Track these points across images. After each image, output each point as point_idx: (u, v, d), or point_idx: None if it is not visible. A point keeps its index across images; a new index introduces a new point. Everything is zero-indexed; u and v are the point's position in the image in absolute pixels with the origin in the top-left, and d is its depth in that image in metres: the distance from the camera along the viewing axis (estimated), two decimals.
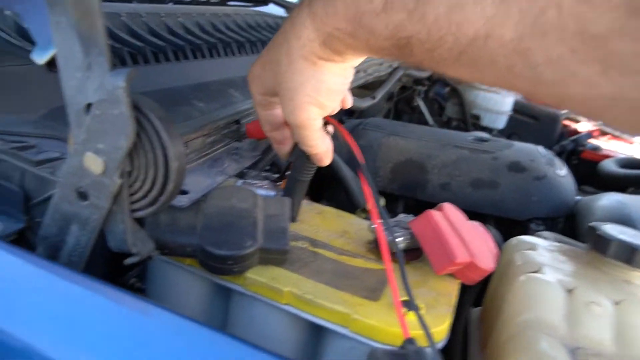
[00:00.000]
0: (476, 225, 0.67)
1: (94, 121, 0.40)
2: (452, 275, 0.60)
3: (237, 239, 0.50)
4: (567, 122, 1.99)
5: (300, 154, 0.60)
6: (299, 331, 0.54)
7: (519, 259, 0.67)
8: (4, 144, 0.50)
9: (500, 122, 1.95)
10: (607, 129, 1.97)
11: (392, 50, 0.41)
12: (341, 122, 1.41)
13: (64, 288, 0.39)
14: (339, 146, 1.26)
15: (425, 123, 1.89)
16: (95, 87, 0.39)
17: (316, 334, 0.55)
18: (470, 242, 0.59)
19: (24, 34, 0.61)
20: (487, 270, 0.59)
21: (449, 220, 0.60)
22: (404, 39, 0.38)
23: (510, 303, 0.60)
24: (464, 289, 0.65)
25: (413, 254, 0.62)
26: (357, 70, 1.23)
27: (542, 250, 0.68)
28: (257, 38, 1.02)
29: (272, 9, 1.37)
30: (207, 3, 1.09)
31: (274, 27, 1.21)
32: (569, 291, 0.59)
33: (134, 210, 0.44)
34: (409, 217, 0.65)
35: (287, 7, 1.34)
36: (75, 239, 0.45)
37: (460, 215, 0.64)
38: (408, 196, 1.25)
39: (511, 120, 1.98)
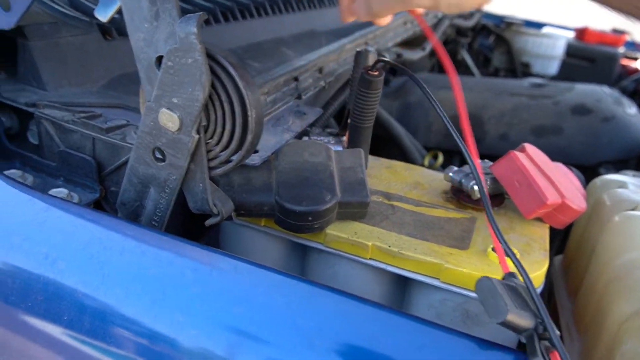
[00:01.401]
0: (559, 166, 0.62)
1: (166, 74, 0.38)
2: (539, 219, 0.56)
3: (316, 194, 0.48)
4: (625, 62, 1.86)
5: (357, 100, 0.57)
6: (385, 285, 0.52)
7: (608, 199, 0.62)
8: (72, 115, 0.49)
9: (553, 68, 1.85)
10: None
11: None
12: (387, 81, 1.36)
13: (155, 250, 0.38)
14: (389, 105, 1.22)
15: (472, 76, 1.81)
16: (165, 37, 0.37)
17: (402, 288, 0.53)
18: (559, 182, 0.55)
19: (77, 5, 0.60)
20: (579, 210, 0.55)
21: (533, 161, 0.56)
22: None
23: (606, 245, 0.56)
24: None
25: (495, 200, 0.58)
26: (404, 22, 1.17)
27: (633, 187, 0.63)
28: None
29: None
30: None
31: None
32: None
33: (211, 168, 0.42)
34: (487, 162, 0.61)
35: None
36: (154, 202, 0.44)
37: (543, 155, 0.59)
38: None
39: (563, 65, 1.87)
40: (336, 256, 0.51)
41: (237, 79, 0.37)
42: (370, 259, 0.50)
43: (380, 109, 0.99)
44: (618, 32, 1.88)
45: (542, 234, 0.54)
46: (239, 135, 0.39)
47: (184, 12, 0.72)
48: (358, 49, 0.58)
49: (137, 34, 0.38)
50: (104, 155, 0.49)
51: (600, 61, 1.85)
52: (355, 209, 0.51)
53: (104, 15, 0.41)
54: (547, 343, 0.31)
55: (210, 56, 0.37)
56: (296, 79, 0.68)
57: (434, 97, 0.49)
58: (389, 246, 0.49)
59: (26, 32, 0.53)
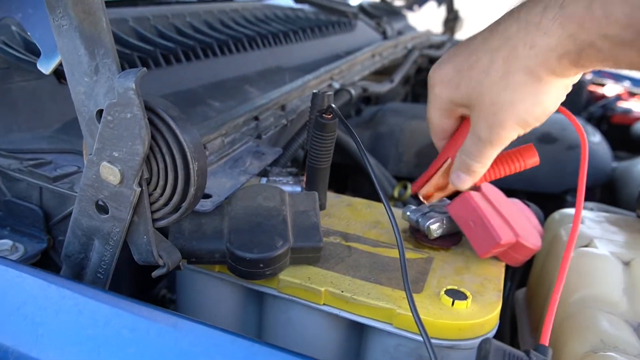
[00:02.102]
0: (516, 202, 0.63)
1: (106, 128, 0.37)
2: (496, 257, 0.56)
3: (268, 240, 0.48)
4: (592, 88, 1.91)
5: (313, 142, 0.57)
6: (340, 331, 0.52)
7: (565, 234, 0.63)
8: (19, 163, 0.49)
9: None
10: (636, 90, 1.89)
11: None
12: (359, 111, 1.38)
13: (92, 309, 0.37)
14: (360, 134, 1.23)
15: None
16: (104, 91, 0.36)
17: (358, 333, 0.52)
18: (513, 221, 0.55)
19: (32, 48, 0.60)
20: (534, 249, 0.55)
21: (488, 200, 0.57)
22: None
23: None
24: (507, 270, 0.61)
25: (452, 238, 0.58)
26: (373, 55, 1.19)
27: (589, 222, 0.64)
28: (267, 31, 1.00)
29: (280, 0, 1.33)
30: (214, 0, 1.06)
31: (283, 18, 1.18)
32: (626, 264, 0.55)
33: (156, 220, 0.42)
34: (445, 201, 0.61)
35: None
36: (99, 255, 0.43)
37: (499, 193, 0.60)
38: None
39: None
40: (290, 302, 0.50)
41: (177, 131, 0.37)
42: (324, 304, 0.49)
43: (349, 139, 1.00)
44: None
45: (497, 273, 0.54)
46: (182, 188, 0.39)
47: (145, 52, 0.73)
48: (314, 91, 0.59)
49: (78, 87, 0.38)
50: (52, 205, 0.48)
51: None
52: (309, 253, 0.50)
53: (46, 67, 0.41)
54: None
55: (150, 109, 0.37)
56: (256, 118, 0.68)
57: (359, 141, 0.50)
58: (342, 291, 0.48)
59: None
